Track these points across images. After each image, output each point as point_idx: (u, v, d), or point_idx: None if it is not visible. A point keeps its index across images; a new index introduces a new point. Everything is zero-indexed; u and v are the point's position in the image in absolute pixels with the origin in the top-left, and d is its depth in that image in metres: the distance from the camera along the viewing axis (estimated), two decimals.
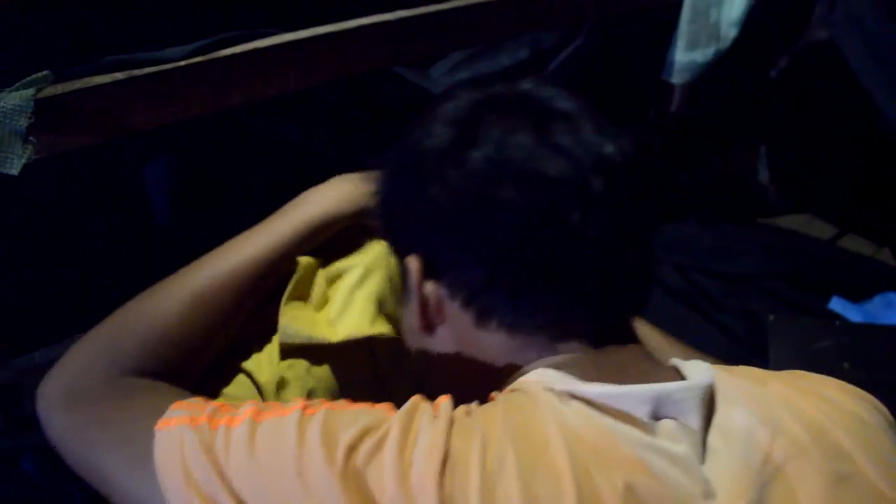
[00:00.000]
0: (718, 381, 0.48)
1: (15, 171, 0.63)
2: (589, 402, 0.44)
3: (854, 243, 1.49)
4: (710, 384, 0.46)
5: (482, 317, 0.50)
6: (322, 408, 0.44)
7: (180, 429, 0.45)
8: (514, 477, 0.39)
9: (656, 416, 0.44)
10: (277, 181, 0.72)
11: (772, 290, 1.33)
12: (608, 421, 0.43)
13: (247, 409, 0.45)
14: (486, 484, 0.39)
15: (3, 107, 0.62)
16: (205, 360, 0.63)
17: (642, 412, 0.44)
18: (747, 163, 1.70)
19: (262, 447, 0.42)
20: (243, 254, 0.63)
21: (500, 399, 0.46)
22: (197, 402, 0.50)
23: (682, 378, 0.48)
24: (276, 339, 0.67)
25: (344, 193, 0.67)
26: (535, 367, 0.48)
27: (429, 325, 0.53)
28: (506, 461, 0.40)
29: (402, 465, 0.40)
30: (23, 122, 0.62)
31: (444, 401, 0.45)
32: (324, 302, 0.68)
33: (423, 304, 0.52)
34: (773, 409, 0.46)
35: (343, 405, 0.45)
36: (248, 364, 0.67)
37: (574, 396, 0.44)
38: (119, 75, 0.69)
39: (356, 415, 0.44)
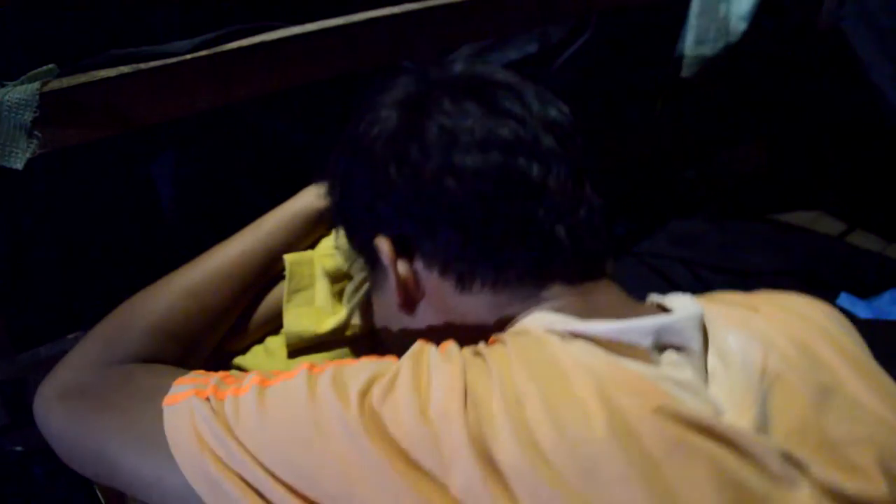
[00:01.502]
0: (706, 310, 0.50)
1: (19, 166, 0.63)
2: (592, 340, 0.45)
3: (863, 239, 1.48)
4: (702, 313, 0.49)
5: (462, 280, 0.51)
6: (329, 365, 0.45)
7: (188, 401, 0.45)
8: (540, 409, 0.40)
9: (658, 347, 0.46)
10: (282, 178, 0.72)
11: (780, 286, 1.32)
12: (613, 356, 0.44)
13: (252, 377, 0.46)
14: (512, 414, 0.39)
15: (7, 101, 0.62)
16: (201, 353, 0.64)
17: (646, 343, 0.45)
18: (755, 158, 1.69)
19: (273, 406, 0.43)
20: (233, 248, 0.66)
21: (507, 340, 0.46)
22: (199, 375, 0.50)
23: (669, 311, 0.50)
24: (283, 340, 0.66)
25: None
26: (533, 312, 0.50)
27: (410, 303, 0.54)
28: (527, 395, 0.40)
29: (420, 401, 0.40)
30: (27, 116, 0.62)
31: (451, 343, 0.46)
32: (327, 297, 0.68)
33: (401, 282, 0.53)
34: (762, 328, 0.49)
35: (349, 362, 0.46)
36: (254, 364, 0.67)
37: (576, 335, 0.45)
38: (125, 69, 0.69)
39: (363, 365, 0.45)
